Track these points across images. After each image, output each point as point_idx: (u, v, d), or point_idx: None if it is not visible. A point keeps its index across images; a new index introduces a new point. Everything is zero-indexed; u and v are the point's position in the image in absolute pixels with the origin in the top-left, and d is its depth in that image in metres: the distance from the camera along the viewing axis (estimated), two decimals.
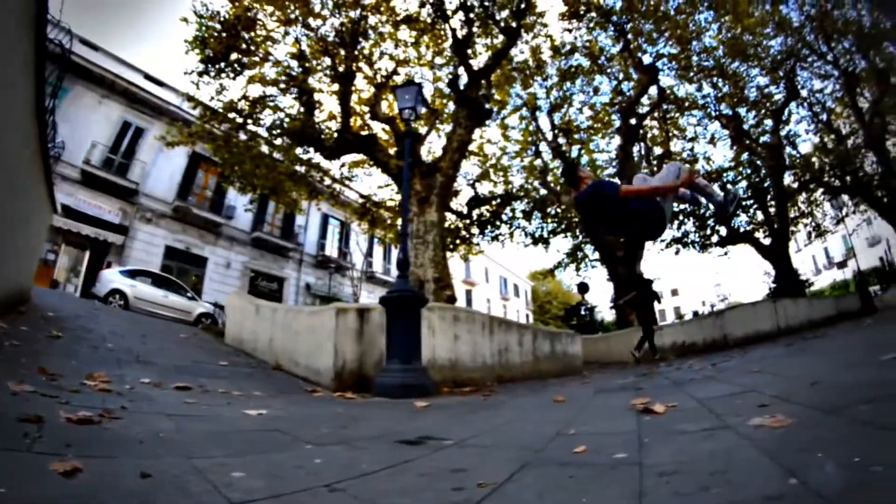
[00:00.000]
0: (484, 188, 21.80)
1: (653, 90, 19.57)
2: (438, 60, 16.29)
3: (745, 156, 22.65)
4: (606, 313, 25.96)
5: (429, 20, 14.38)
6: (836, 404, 2.33)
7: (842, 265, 41.48)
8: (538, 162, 22.20)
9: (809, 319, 16.15)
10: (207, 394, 4.24)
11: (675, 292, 76.20)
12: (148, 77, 23.59)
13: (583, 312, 24.87)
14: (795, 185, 23.72)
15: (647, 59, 18.93)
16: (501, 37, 14.12)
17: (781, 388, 3.32)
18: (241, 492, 1.62)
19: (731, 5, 17.25)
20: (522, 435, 2.94)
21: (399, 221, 9.13)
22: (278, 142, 14.26)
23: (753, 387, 3.72)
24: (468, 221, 21.26)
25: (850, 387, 2.88)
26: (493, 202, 21.45)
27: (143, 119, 22.57)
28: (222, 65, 13.31)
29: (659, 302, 13.24)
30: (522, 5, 13.72)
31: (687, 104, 21.49)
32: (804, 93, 22.57)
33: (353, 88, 14.36)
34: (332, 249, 32.56)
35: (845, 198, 24.99)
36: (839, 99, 23.52)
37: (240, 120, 13.88)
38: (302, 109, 13.72)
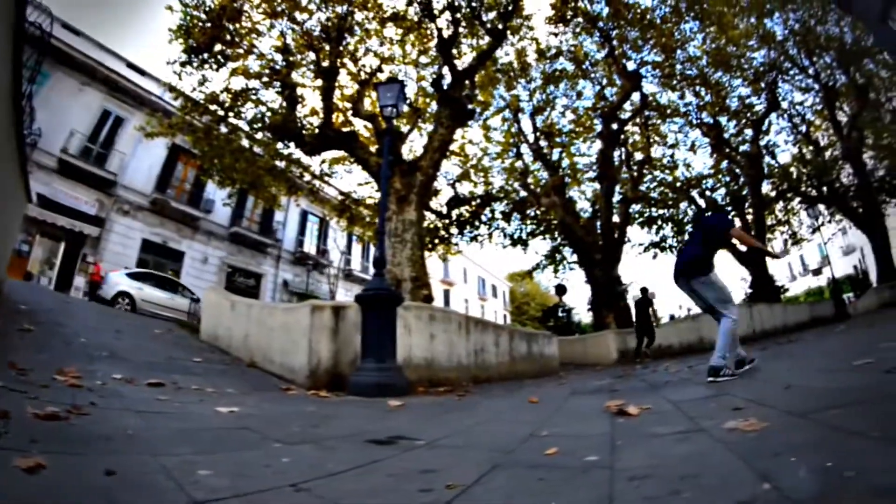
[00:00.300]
0: (464, 188, 21.90)
1: (635, 96, 19.74)
2: (423, 59, 16.25)
3: (724, 164, 23.08)
4: (584, 315, 26.11)
5: (415, 18, 14.32)
6: (808, 408, 2.37)
7: (817, 272, 42.37)
8: (519, 164, 22.33)
9: (784, 324, 16.46)
10: (180, 391, 4.17)
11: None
12: (130, 66, 23.02)
13: (560, 314, 25.02)
14: (773, 194, 24.29)
15: (631, 66, 19.09)
16: (487, 38, 14.11)
17: (755, 392, 3.39)
18: (205, 490, 1.59)
19: (717, 17, 17.47)
20: (495, 436, 2.94)
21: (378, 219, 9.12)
22: (259, 136, 14.13)
23: (728, 390, 3.79)
24: (447, 221, 21.26)
25: (823, 391, 2.95)
26: (473, 202, 21.49)
27: (123, 108, 22.09)
28: (206, 56, 13.11)
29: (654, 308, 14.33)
30: (510, 7, 13.72)
31: (669, 111, 21.81)
32: (785, 104, 23.14)
33: (337, 84, 14.25)
34: (310, 246, 32.27)
35: (822, 207, 25.51)
36: (819, 112, 24.12)
37: (221, 112, 13.70)
38: (284, 104, 13.57)
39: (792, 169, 24.35)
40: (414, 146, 17.33)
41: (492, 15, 14.04)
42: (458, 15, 13.28)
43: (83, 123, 20.50)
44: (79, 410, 2.55)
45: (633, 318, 14.57)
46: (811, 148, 24.73)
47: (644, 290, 14.48)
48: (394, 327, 6.18)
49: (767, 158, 23.49)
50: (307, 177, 18.12)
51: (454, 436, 2.96)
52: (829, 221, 26.18)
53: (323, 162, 17.72)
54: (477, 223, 22.05)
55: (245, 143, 14.40)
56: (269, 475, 1.86)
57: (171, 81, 13.53)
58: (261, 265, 28.52)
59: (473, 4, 13.40)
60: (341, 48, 13.76)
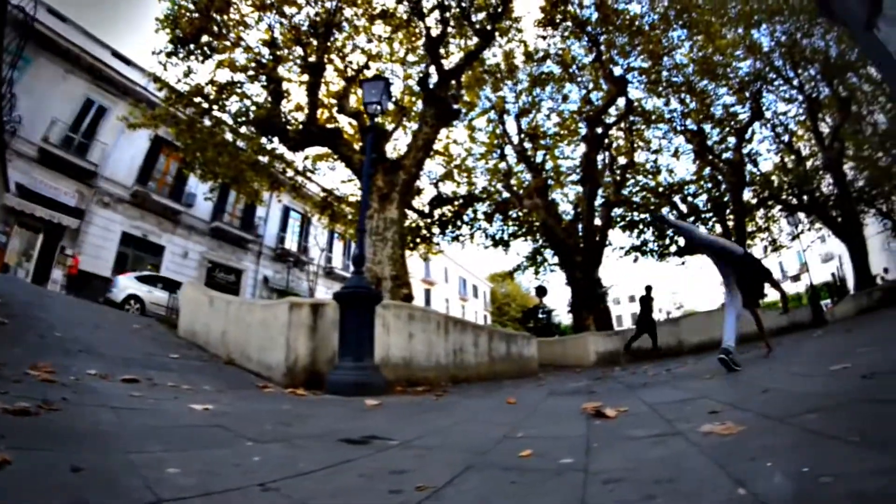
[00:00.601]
0: (447, 188, 21.90)
1: (621, 101, 19.85)
2: (411, 58, 16.28)
3: (707, 170, 23.30)
4: (564, 317, 26.24)
5: (404, 17, 14.33)
6: (786, 412, 2.37)
7: (795, 279, 43.04)
8: (503, 165, 22.45)
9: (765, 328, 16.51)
10: (155, 387, 4.12)
11: (632, 299, 77.63)
12: (115, 54, 22.69)
13: (540, 315, 25.10)
14: (754, 201, 24.65)
15: (617, 71, 19.22)
16: (476, 38, 14.11)
17: (733, 395, 3.42)
18: (172, 489, 1.56)
19: (705, 26, 17.64)
20: (470, 437, 2.93)
21: None
22: (243, 130, 14.01)
23: (706, 393, 3.79)
24: (430, 220, 21.24)
25: (801, 395, 2.95)
26: (456, 202, 21.48)
27: (106, 98, 21.77)
28: (192, 47, 12.98)
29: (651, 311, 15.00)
30: (499, 9, 13.74)
31: (654, 117, 21.99)
32: (768, 114, 23.48)
33: (323, 80, 14.23)
34: (291, 243, 32.15)
35: (802, 216, 25.99)
36: (801, 122, 24.54)
37: (205, 105, 13.56)
38: (269, 98, 13.47)
39: (773, 177, 24.77)
40: (398, 145, 17.28)
41: (481, 16, 14.07)
42: (448, 14, 13.29)
43: (65, 112, 20.19)
44: (50, 406, 2.51)
45: (637, 316, 15.22)
46: (793, 157, 25.14)
47: (648, 289, 15.03)
48: (372, 326, 6.15)
49: (749, 166, 23.76)
50: (290, 172, 17.99)
51: (429, 436, 2.94)
52: (809, 229, 26.69)
53: (306, 158, 17.68)
54: (459, 223, 22.05)
55: (229, 136, 14.29)
56: (238, 474, 1.83)
57: (156, 72, 13.37)
58: (241, 261, 28.33)
59: (463, 4, 13.42)
60: (329, 44, 13.72)
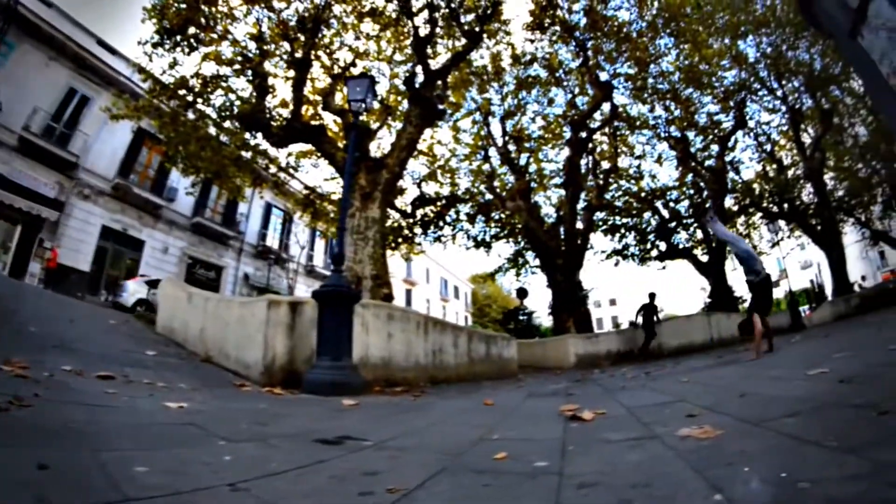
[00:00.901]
0: (430, 188, 21.90)
1: (606, 106, 19.97)
2: (398, 57, 16.24)
3: (689, 177, 23.58)
4: (545, 319, 26.40)
5: (393, 15, 14.30)
6: (763, 416, 2.38)
7: (775, 285, 43.56)
8: (486, 167, 22.46)
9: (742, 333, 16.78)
10: (130, 384, 4.08)
11: (613, 302, 78.44)
12: (101, 43, 22.18)
13: (521, 317, 25.23)
14: (736, 208, 25.06)
15: (603, 77, 19.34)
16: (464, 40, 14.11)
17: (711, 399, 3.41)
18: (139, 488, 1.55)
19: (692, 35, 17.82)
20: (445, 438, 2.92)
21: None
22: (227, 124, 13.84)
23: (683, 396, 3.81)
24: (412, 220, 21.23)
25: (778, 399, 2.97)
26: (439, 203, 21.48)
27: (90, 87, 21.35)
28: (178, 38, 12.80)
29: (658, 315, 15.82)
30: (489, 11, 13.76)
31: (638, 123, 22.15)
32: (751, 123, 23.92)
33: (309, 76, 14.13)
34: (273, 240, 31.91)
35: (782, 223, 26.51)
36: (784, 132, 25.06)
37: (190, 98, 13.38)
38: (254, 93, 13.35)
39: (755, 185, 25.21)
40: (382, 144, 17.22)
41: (470, 17, 14.08)
42: (437, 14, 13.29)
43: (48, 100, 19.78)
44: (21, 402, 2.47)
45: (641, 321, 15.72)
46: (775, 166, 25.57)
47: (651, 296, 15.64)
48: (350, 325, 6.13)
49: (732, 174, 24.17)
50: (273, 169, 17.86)
51: (404, 437, 2.93)
52: (789, 237, 27.19)
53: (289, 155, 17.52)
54: (441, 224, 22.07)
55: (212, 130, 14.11)
56: (207, 474, 1.81)
57: (141, 62, 13.19)
58: (222, 257, 28.10)
59: (452, 5, 13.41)
60: (316, 40, 13.66)
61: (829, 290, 25.97)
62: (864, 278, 32.10)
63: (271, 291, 23.69)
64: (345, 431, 2.89)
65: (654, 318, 15.51)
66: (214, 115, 13.87)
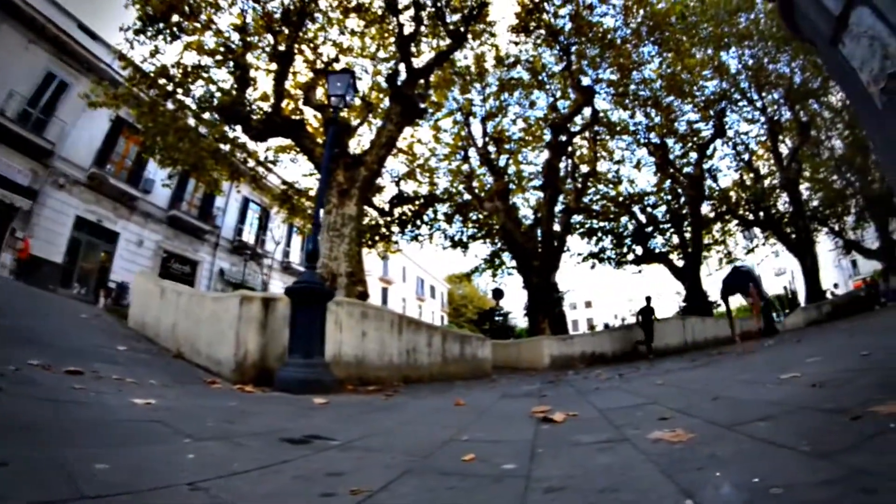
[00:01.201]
0: (408, 187, 21.89)
1: (587, 111, 20.11)
2: (382, 54, 16.20)
3: (667, 183, 23.93)
4: (520, 320, 26.56)
5: (379, 12, 14.26)
6: (735, 420, 2.37)
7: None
8: (465, 167, 22.56)
9: (715, 337, 17.17)
10: (99, 380, 4.01)
11: (588, 304, 79.05)
12: (82, 27, 21.63)
13: (497, 318, 25.34)
14: (712, 215, 25.58)
15: (586, 81, 19.49)
16: (448, 39, 14.10)
17: (683, 402, 3.38)
18: (97, 485, 1.51)
19: (676, 44, 18.04)
20: (413, 439, 2.89)
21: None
22: (206, 116, 13.66)
23: (656, 399, 3.80)
24: (389, 219, 21.19)
25: (750, 403, 2.95)
26: (417, 202, 21.49)
27: (69, 73, 20.79)
28: (161, 25, 12.54)
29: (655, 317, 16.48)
30: (475, 12, 13.77)
31: (618, 128, 22.42)
32: (730, 133, 24.48)
33: (291, 70, 14.04)
34: (249, 235, 31.56)
35: (757, 231, 27.06)
36: (762, 143, 25.67)
37: (170, 87, 13.17)
38: (235, 85, 13.19)
39: (732, 193, 25.75)
40: (363, 141, 17.14)
41: (456, 17, 14.08)
42: (423, 13, 13.28)
43: (25, 85, 19.18)
44: None
45: (640, 323, 16.41)
46: (752, 175, 26.13)
47: (648, 300, 16.40)
48: (323, 323, 6.08)
49: (709, 181, 24.61)
50: (251, 163, 17.69)
51: (372, 437, 2.90)
52: (763, 244, 27.77)
53: (268, 149, 17.42)
54: (419, 223, 22.07)
55: (191, 122, 13.90)
56: (168, 472, 1.78)
57: (122, 49, 12.94)
58: (197, 252, 27.69)
59: (439, 4, 13.42)
60: (300, 34, 13.55)
61: (801, 297, 26.59)
62: (836, 286, 32.88)
63: (247, 287, 23.50)
64: (313, 430, 2.86)
65: (652, 320, 16.06)
66: (194, 106, 13.67)
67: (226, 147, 14.98)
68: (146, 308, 9.16)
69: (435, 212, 22.51)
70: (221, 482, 1.71)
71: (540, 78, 20.44)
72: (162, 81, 13.03)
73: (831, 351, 5.58)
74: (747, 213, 25.70)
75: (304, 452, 2.33)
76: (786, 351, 7.35)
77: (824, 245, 30.42)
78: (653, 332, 15.85)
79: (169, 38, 12.81)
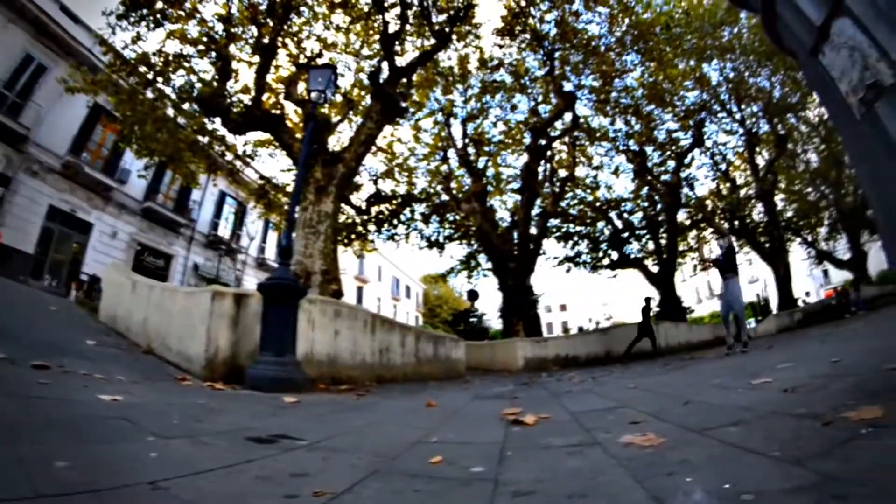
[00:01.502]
0: (386, 186, 21.88)
1: (568, 116, 20.20)
2: (365, 51, 16.16)
3: (644, 190, 24.21)
4: (495, 322, 26.66)
5: (365, 9, 14.22)
6: (707, 424, 2.38)
7: (721, 297, 45.40)
8: (444, 167, 22.57)
9: (688, 342, 17.44)
10: (66, 375, 3.93)
11: (563, 307, 79.56)
12: (63, 9, 21.04)
13: (471, 319, 25.40)
14: (688, 223, 25.94)
15: (568, 87, 19.55)
16: (433, 39, 14.09)
17: (655, 406, 3.39)
18: (55, 484, 1.50)
19: (659, 54, 18.25)
20: (382, 439, 2.88)
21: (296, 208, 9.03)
22: (185, 106, 13.49)
23: (628, 402, 3.81)
24: (366, 217, 21.15)
25: (722, 408, 2.97)
26: (394, 201, 21.48)
27: (48, 56, 20.17)
28: (145, 11, 12.34)
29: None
30: (461, 13, 13.78)
31: (598, 135, 22.58)
32: (709, 143, 24.98)
33: (274, 63, 13.93)
34: (225, 230, 31.18)
35: (732, 239, 27.56)
36: (739, 153, 26.22)
37: (150, 76, 13.00)
38: (216, 76, 13.02)
39: (708, 202, 26.22)
40: (342, 138, 17.06)
41: (442, 17, 14.07)
42: (409, 12, 13.25)
43: (1, 66, 18.63)
44: None
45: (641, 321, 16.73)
46: (728, 185, 26.64)
47: (648, 300, 16.82)
48: (295, 320, 6.01)
49: (686, 189, 24.99)
50: (229, 156, 17.48)
51: (340, 437, 2.89)
52: (737, 252, 28.31)
53: (246, 143, 17.25)
54: (396, 222, 22.05)
55: (170, 112, 13.71)
56: (130, 470, 1.76)
57: (103, 34, 12.67)
58: (172, 245, 27.19)
59: (425, 4, 13.40)
60: (285, 27, 13.46)
61: (774, 304, 27.18)
62: (807, 294, 33.62)
63: (221, 283, 23.21)
64: (281, 430, 2.84)
65: (650, 320, 16.55)
66: (174, 96, 13.51)
67: (204, 139, 14.86)
68: (117, 301, 9.01)
69: (412, 211, 22.52)
70: (183, 482, 1.69)
71: (522, 82, 20.51)
72: (142, 69, 12.88)
73: (802, 357, 5.61)
74: (722, 221, 26.17)
75: (270, 452, 2.31)
76: (758, 356, 7.37)
77: (797, 255, 31.08)
78: (653, 330, 16.30)
79: (152, 25, 12.61)
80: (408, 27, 13.75)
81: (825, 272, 39.13)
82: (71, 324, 7.87)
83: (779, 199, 27.26)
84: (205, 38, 13.07)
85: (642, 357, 14.94)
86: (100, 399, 3.16)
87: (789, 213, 28.25)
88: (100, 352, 5.90)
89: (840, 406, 2.20)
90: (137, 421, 2.64)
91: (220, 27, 13.17)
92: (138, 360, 6.07)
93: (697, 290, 53.83)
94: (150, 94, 13.38)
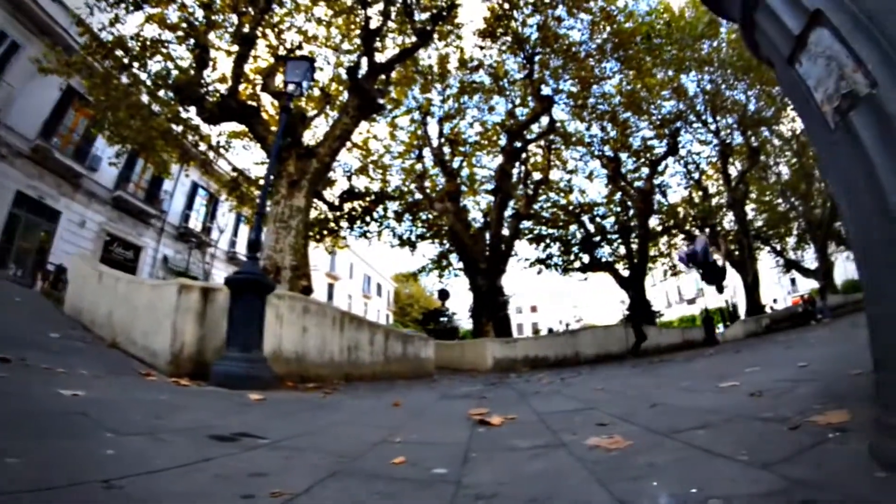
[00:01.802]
0: (360, 182, 21.82)
1: (544, 120, 20.33)
2: (346, 46, 16.04)
3: (618, 195, 24.54)
4: (466, 321, 26.76)
5: (348, 2, 14.10)
6: (674, 427, 2.40)
7: (691, 302, 46.41)
8: (419, 166, 22.55)
9: (657, 345, 17.70)
10: (27, 369, 3.88)
11: (534, 309, 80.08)
12: None
13: (442, 318, 25.43)
14: (659, 229, 26.42)
15: (546, 91, 19.67)
16: (414, 37, 14.05)
17: (622, 408, 3.42)
18: (5, 481, 1.47)
19: (638, 63, 18.46)
20: (345, 439, 2.86)
21: (268, 202, 8.95)
22: (161, 93, 13.23)
23: (596, 404, 3.83)
24: (339, 213, 21.01)
25: (689, 410, 3.00)
26: (367, 198, 21.38)
27: (22, 33, 19.26)
28: None
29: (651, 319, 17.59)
30: (444, 12, 13.76)
31: (574, 139, 22.79)
32: (683, 152, 25.41)
33: (253, 54, 13.74)
34: (196, 223, 30.57)
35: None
36: (713, 163, 26.81)
37: (126, 60, 12.70)
38: (194, 64, 12.79)
39: (680, 209, 26.68)
40: (318, 133, 16.88)
41: (424, 16, 14.04)
42: (392, 8, 13.20)
43: None
44: None
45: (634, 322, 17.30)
46: (700, 193, 27.14)
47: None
48: (262, 316, 5.94)
49: (659, 196, 25.42)
50: (203, 146, 17.13)
51: (303, 436, 2.87)
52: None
53: (220, 134, 16.98)
54: (368, 219, 21.98)
55: (145, 98, 13.45)
56: (83, 468, 1.72)
57: (81, 14, 12.35)
58: (142, 236, 26.46)
59: (409, 1, 13.34)
60: (266, 17, 13.29)
61: (742, 310, 27.85)
62: (775, 301, 34.48)
63: (190, 276, 22.77)
64: (244, 428, 2.81)
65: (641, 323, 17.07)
66: (149, 82, 13.23)
67: (178, 128, 14.57)
68: (83, 293, 8.84)
69: (385, 209, 22.46)
70: (138, 480, 1.66)
71: (501, 84, 20.62)
72: (119, 53, 12.56)
73: (769, 361, 5.68)
74: (694, 228, 26.70)
75: (230, 451, 2.29)
76: (725, 360, 7.44)
77: (766, 263, 31.88)
78: (644, 332, 16.79)
79: (131, 7, 12.35)
80: (390, 23, 13.71)
81: (793, 280, 40.20)
82: (35, 315, 7.73)
83: (749, 208, 28.03)
84: (184, 24, 12.81)
85: (610, 360, 15.10)
86: (60, 394, 3.10)
87: (759, 223, 29.04)
88: (63, 345, 5.81)
89: (807, 410, 2.23)
90: (97, 417, 2.60)
91: (200, 14, 12.94)
92: (103, 354, 5.97)
93: (667, 294, 54.73)
94: (124, 79, 13.09)
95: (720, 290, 15.06)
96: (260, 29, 13.20)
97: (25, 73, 17.98)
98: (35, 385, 3.32)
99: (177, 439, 2.44)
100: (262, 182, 18.47)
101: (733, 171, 26.00)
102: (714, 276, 13.74)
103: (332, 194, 20.56)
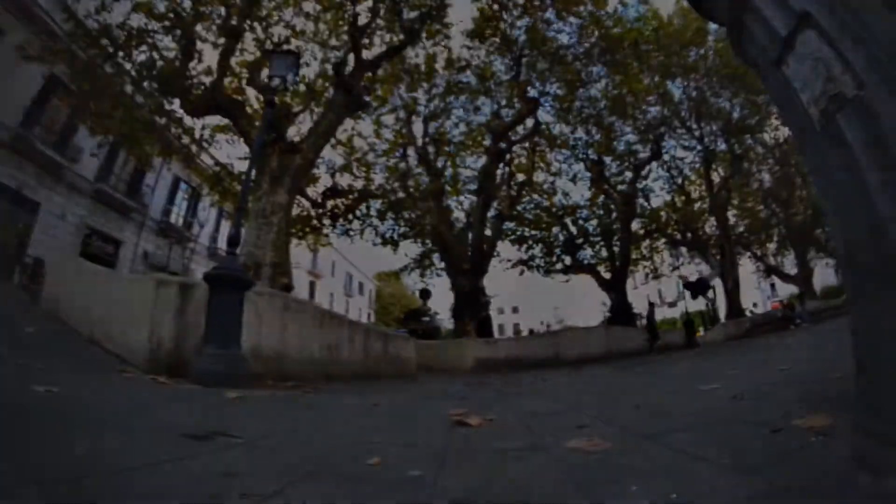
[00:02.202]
0: (344, 180, 21.71)
1: (530, 122, 20.48)
2: (333, 42, 15.97)
3: (601, 198, 24.69)
4: (447, 321, 26.73)
5: None
6: (655, 430, 2.39)
7: (672, 305, 46.85)
8: (403, 165, 22.53)
9: (639, 347, 17.77)
10: (1, 364, 3.85)
11: (515, 309, 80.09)
12: None
13: (423, 318, 25.38)
14: (642, 232, 26.73)
15: (532, 93, 19.80)
16: (402, 35, 14.03)
17: (604, 409, 3.42)
18: None
19: (625, 68, 18.60)
20: (322, 439, 2.82)
21: (249, 198, 8.85)
22: (145, 84, 13.04)
23: (577, 405, 3.84)
24: (321, 211, 20.91)
25: (671, 412, 2.99)
26: (350, 196, 21.31)
27: (4, 19, 18.41)
28: None
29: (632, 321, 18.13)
30: (433, 12, 13.75)
31: (558, 142, 22.94)
32: (667, 157, 25.73)
33: (240, 47, 13.63)
34: (178, 218, 30.03)
35: (684, 250, 28.76)
36: (696, 169, 27.18)
37: (111, 49, 12.53)
38: (179, 55, 12.65)
39: (662, 213, 27.00)
40: (302, 129, 16.78)
41: (413, 14, 14.02)
42: (381, 5, 13.16)
43: None
44: None
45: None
46: (683, 198, 27.43)
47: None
48: (240, 312, 5.85)
49: (642, 200, 25.64)
50: (186, 140, 16.98)
51: (278, 436, 2.83)
52: (689, 263, 29.50)
53: (204, 127, 16.81)
54: (351, 217, 21.90)
55: (128, 89, 13.25)
56: (51, 467, 1.68)
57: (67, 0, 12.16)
58: (122, 231, 25.78)
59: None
60: (254, 9, 13.16)
61: (722, 314, 28.29)
62: (755, 305, 34.97)
63: (170, 272, 22.49)
64: (219, 426, 2.74)
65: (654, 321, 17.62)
66: (134, 73, 13.04)
67: (161, 120, 14.37)
68: (60, 287, 8.68)
69: (368, 207, 22.39)
70: (106, 479, 1.63)
71: (488, 84, 20.66)
72: (104, 42, 12.39)
73: (750, 365, 5.71)
74: (676, 232, 27.02)
75: (203, 449, 2.24)
76: (706, 363, 7.47)
77: (746, 267, 32.36)
78: (656, 330, 17.44)
79: None
80: (378, 21, 13.68)
81: (773, 285, 40.75)
82: (10, 311, 7.53)
83: (731, 214, 28.43)
84: (171, 15, 12.66)
85: (591, 361, 15.16)
86: (34, 390, 3.04)
87: (741, 229, 29.45)
88: (40, 340, 5.72)
89: (789, 413, 2.23)
90: (70, 414, 2.58)
91: (188, 4, 12.79)
92: (80, 350, 5.89)
93: (648, 297, 55.16)
94: (109, 69, 12.89)
95: (707, 298, 15.78)
96: (248, 22, 13.10)
97: (8, 59, 17.51)
98: (9, 381, 3.27)
99: (150, 437, 2.39)
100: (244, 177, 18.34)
101: (716, 178, 26.45)
102: (704, 292, 14.41)
103: (315, 191, 20.51)
